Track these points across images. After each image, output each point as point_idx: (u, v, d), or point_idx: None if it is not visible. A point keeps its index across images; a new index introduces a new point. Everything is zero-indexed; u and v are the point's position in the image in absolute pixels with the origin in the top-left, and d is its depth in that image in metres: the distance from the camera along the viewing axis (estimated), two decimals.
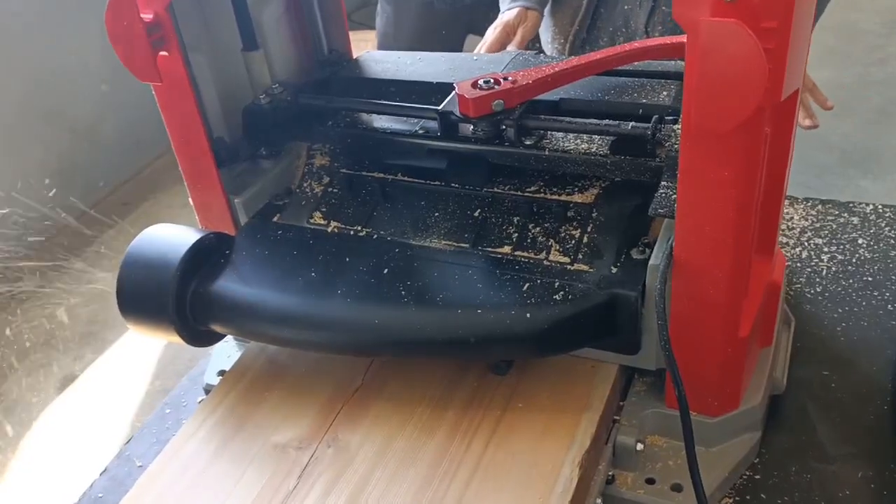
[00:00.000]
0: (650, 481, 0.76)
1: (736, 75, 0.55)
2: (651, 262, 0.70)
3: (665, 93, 0.80)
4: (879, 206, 1.12)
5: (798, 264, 1.05)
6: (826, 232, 1.09)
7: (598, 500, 0.73)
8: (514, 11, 1.35)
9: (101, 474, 0.89)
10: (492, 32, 1.33)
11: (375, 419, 0.77)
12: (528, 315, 0.72)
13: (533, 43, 1.46)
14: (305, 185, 0.90)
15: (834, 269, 1.03)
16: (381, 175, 0.87)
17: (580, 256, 0.76)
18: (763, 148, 0.63)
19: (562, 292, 0.73)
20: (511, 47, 1.32)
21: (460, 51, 1.94)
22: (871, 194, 2.85)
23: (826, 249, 1.06)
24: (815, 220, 1.11)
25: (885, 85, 3.45)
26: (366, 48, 1.59)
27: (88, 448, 1.99)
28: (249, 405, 0.81)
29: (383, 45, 1.91)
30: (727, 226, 0.65)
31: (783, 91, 0.59)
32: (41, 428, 2.23)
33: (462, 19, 1.85)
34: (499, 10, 1.43)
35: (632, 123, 0.76)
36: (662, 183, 0.72)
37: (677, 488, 0.75)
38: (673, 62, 0.85)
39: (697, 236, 0.66)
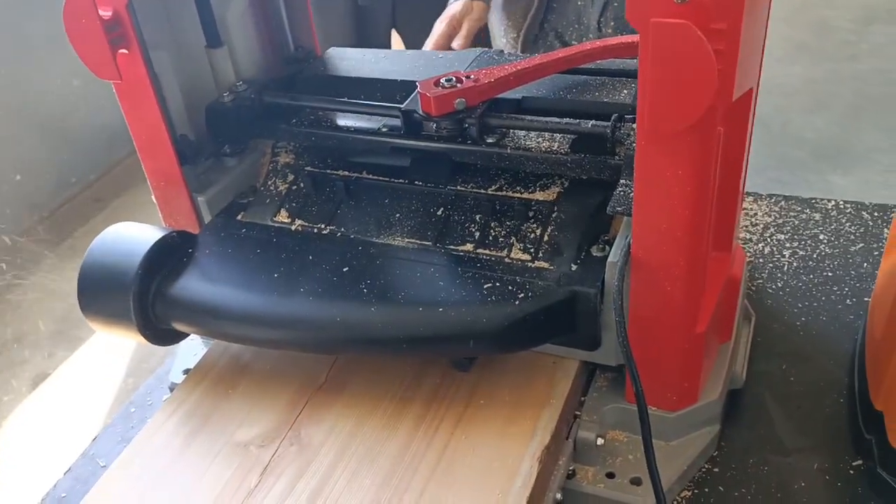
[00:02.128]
0: (610, 475, 0.78)
1: (686, 76, 0.56)
2: (609, 259, 0.71)
3: (626, 91, 0.81)
4: (841, 202, 1.14)
5: (760, 260, 1.06)
6: (788, 228, 1.11)
7: (558, 495, 0.74)
8: (460, 4, 1.35)
9: (65, 474, 0.88)
10: (438, 26, 1.34)
11: (338, 415, 0.77)
12: (488, 312, 0.72)
13: (481, 36, 1.46)
14: (270, 182, 0.90)
15: (795, 264, 1.05)
16: (346, 173, 0.87)
17: (541, 254, 0.77)
18: (716, 147, 0.64)
19: (522, 290, 0.73)
20: (457, 40, 1.32)
21: (389, 48, 1.94)
22: (841, 189, 2.89)
23: (788, 245, 1.08)
24: (778, 216, 1.13)
25: (856, 80, 3.49)
26: None
27: (60, 447, 1.98)
28: (213, 403, 0.81)
29: None
30: (682, 223, 0.66)
31: (735, 91, 0.60)
32: (13, 426, 2.21)
33: (387, 15, 1.84)
34: (423, 3, 1.44)
35: (592, 122, 0.77)
36: (621, 181, 0.72)
37: (636, 482, 0.77)
38: (634, 60, 0.86)
39: (654, 234, 0.67)
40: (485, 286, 0.74)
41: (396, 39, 1.97)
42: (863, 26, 3.89)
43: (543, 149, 0.79)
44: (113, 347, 2.32)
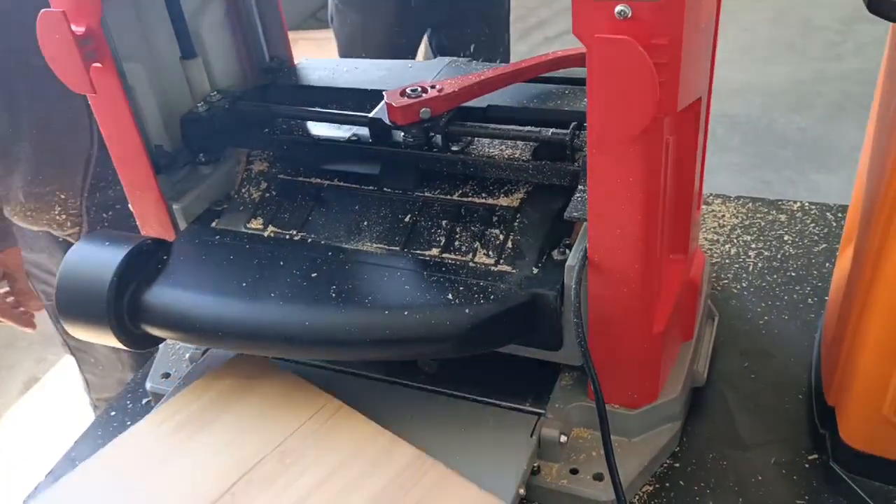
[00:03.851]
0: (574, 471, 0.80)
1: (629, 89, 0.59)
2: (567, 262, 0.74)
3: (585, 100, 0.84)
4: (806, 204, 1.17)
5: (727, 261, 1.09)
6: (755, 229, 1.14)
7: (522, 490, 0.76)
8: None
9: (46, 476, 0.91)
10: None
11: (326, 450, 0.78)
12: (452, 315, 0.74)
13: None
14: (244, 190, 0.92)
15: (760, 264, 1.08)
16: (317, 180, 0.90)
17: (504, 258, 0.79)
18: (664, 155, 0.67)
19: (485, 293, 0.76)
20: None
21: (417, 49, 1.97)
22: (824, 188, 2.93)
23: (754, 246, 1.11)
24: (744, 217, 1.16)
25: (841, 80, 3.53)
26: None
27: (49, 449, 2.00)
28: (207, 418, 0.82)
29: (349, 52, 1.91)
30: (635, 228, 0.68)
31: (679, 102, 0.63)
32: (3, 430, 2.23)
33: (430, 16, 1.86)
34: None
35: (552, 130, 0.79)
36: (579, 187, 0.75)
37: (599, 477, 0.79)
38: None
39: (608, 238, 0.70)
40: (449, 289, 0.77)
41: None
42: (847, 26, 3.94)
43: (506, 156, 0.82)
44: None
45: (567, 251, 0.78)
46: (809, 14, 4.07)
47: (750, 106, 3.41)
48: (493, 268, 0.79)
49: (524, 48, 3.92)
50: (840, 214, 1.13)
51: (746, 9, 4.04)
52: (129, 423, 0.94)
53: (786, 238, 1.11)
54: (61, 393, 2.31)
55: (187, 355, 0.94)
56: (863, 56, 3.63)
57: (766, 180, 2.92)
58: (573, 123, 0.78)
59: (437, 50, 1.89)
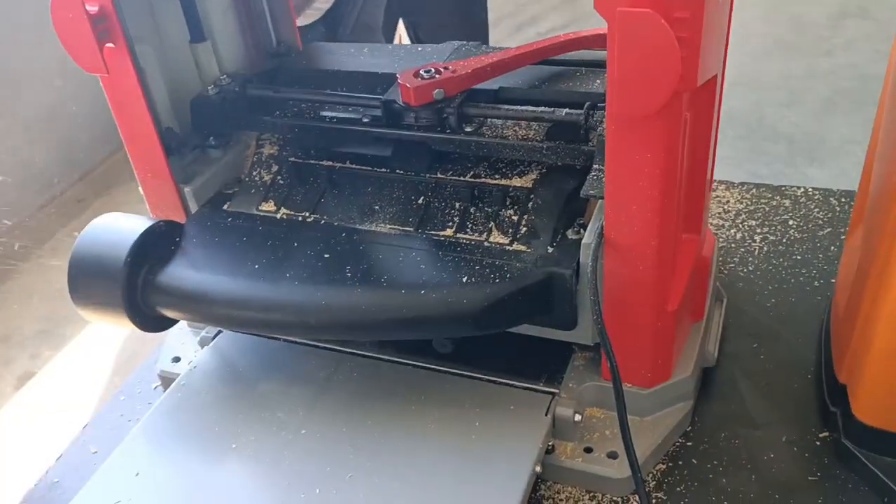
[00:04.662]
0: (588, 450, 0.81)
1: (651, 62, 0.59)
2: (584, 240, 0.74)
3: (598, 81, 0.84)
4: (809, 189, 1.18)
5: (733, 245, 1.10)
6: (759, 214, 1.14)
7: (538, 468, 0.77)
8: None
9: (57, 460, 0.90)
10: None
11: None
12: (467, 294, 0.75)
13: None
14: (255, 173, 0.92)
15: (766, 248, 1.08)
16: (329, 163, 0.89)
17: (518, 237, 0.79)
18: (682, 131, 0.67)
19: (500, 271, 0.76)
20: None
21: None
22: (817, 182, 2.94)
23: (759, 231, 1.12)
24: (749, 203, 1.17)
25: (831, 75, 3.55)
26: None
27: (44, 447, 1.98)
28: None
29: None
30: (652, 205, 0.69)
31: (699, 77, 0.63)
32: None
33: (405, 3, 1.85)
34: None
35: (566, 110, 0.80)
36: (594, 166, 0.75)
37: (613, 456, 0.80)
38: (605, 52, 0.89)
39: (625, 215, 0.70)
40: (464, 269, 0.77)
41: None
42: (837, 22, 3.96)
43: (520, 137, 0.82)
44: (99, 346, 2.32)
45: (581, 230, 0.78)
46: (799, 10, 4.09)
47: (742, 101, 3.43)
48: (507, 247, 0.79)
49: (516, 45, 3.91)
50: (844, 199, 1.15)
51: (737, 6, 4.06)
52: (138, 406, 0.94)
53: (790, 223, 1.12)
54: (56, 389, 2.29)
55: (198, 338, 0.94)
56: (852, 51, 3.65)
57: (759, 174, 2.93)
58: (587, 104, 0.79)
59: (414, 39, 1.88)
